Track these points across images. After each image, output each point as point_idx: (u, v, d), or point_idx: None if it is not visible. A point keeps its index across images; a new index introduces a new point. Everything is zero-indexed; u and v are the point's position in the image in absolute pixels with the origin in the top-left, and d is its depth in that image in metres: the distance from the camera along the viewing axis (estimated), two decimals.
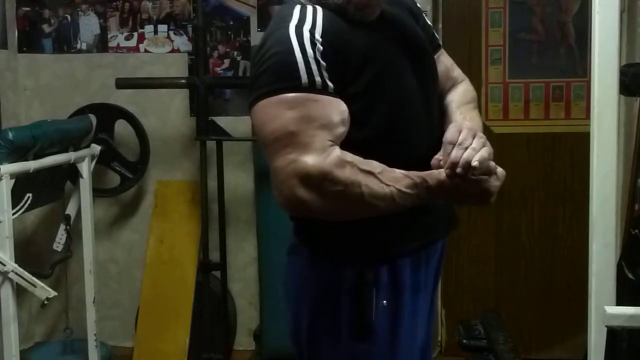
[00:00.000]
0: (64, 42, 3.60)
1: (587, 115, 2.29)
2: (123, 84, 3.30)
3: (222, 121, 3.30)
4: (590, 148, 1.97)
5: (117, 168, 3.45)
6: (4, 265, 2.59)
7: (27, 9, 3.60)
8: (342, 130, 1.38)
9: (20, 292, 2.78)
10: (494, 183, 1.42)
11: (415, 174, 1.40)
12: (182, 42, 3.52)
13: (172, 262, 3.44)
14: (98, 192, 3.39)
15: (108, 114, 3.44)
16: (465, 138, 1.40)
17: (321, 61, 1.37)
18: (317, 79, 1.37)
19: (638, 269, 2.17)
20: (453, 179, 1.38)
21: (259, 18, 3.44)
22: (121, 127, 3.46)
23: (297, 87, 1.36)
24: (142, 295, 3.46)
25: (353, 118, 1.41)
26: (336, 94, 1.39)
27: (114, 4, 3.55)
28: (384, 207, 1.39)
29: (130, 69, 3.52)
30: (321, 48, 1.38)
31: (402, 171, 1.40)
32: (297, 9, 1.44)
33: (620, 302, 1.98)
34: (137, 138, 3.45)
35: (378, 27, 1.51)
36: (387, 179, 1.37)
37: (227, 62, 3.49)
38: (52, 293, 2.71)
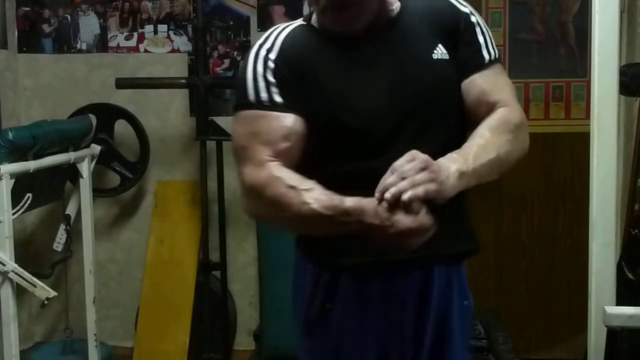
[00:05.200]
0: (64, 42, 3.60)
1: (587, 115, 2.29)
2: (123, 84, 3.30)
3: (222, 121, 3.30)
4: (590, 148, 1.97)
5: (117, 168, 3.45)
6: (4, 265, 2.59)
7: (27, 9, 3.60)
8: (285, 145, 1.43)
9: (20, 292, 2.78)
10: (405, 222, 1.27)
11: (342, 197, 1.34)
12: (182, 42, 3.52)
13: (172, 262, 3.44)
14: (98, 192, 3.39)
15: (108, 114, 3.44)
16: (412, 168, 1.27)
17: (270, 79, 1.45)
18: (264, 95, 1.45)
19: (638, 269, 2.16)
20: (378, 208, 1.28)
21: (259, 18, 3.44)
22: (121, 127, 3.46)
23: (249, 104, 1.46)
24: (142, 295, 3.46)
25: (313, 138, 1.46)
26: (289, 109, 1.44)
27: (114, 4, 3.55)
28: (305, 225, 1.41)
29: (130, 69, 3.52)
30: (272, 66, 1.46)
31: (333, 194, 1.35)
32: (269, 31, 1.53)
33: (620, 302, 1.98)
34: (137, 138, 3.45)
35: (358, 43, 1.47)
36: (310, 197, 1.35)
37: (227, 62, 3.49)
38: (52, 293, 2.71)
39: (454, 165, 1.35)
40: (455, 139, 1.48)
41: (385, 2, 1.48)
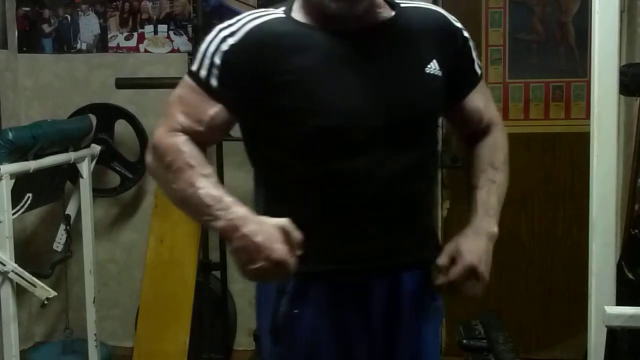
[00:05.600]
0: (64, 42, 3.60)
1: (587, 115, 2.28)
2: (123, 84, 3.30)
3: None
4: (590, 148, 1.97)
5: (117, 168, 3.45)
6: (4, 265, 2.59)
7: (27, 9, 3.60)
8: (199, 128, 1.42)
9: (20, 292, 2.78)
10: (280, 254, 1.31)
11: (233, 199, 1.35)
12: (182, 42, 3.52)
13: (172, 262, 3.43)
14: (98, 192, 3.39)
15: (108, 114, 3.44)
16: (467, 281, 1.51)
17: (216, 61, 1.42)
18: (203, 73, 1.43)
19: (638, 269, 2.16)
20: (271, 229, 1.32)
21: None
22: (121, 127, 3.46)
23: (190, 73, 1.47)
24: (142, 295, 3.46)
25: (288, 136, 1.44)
26: (222, 96, 1.42)
27: (114, 4, 3.55)
28: (184, 204, 1.40)
29: (130, 69, 3.52)
30: (225, 49, 1.41)
31: (226, 193, 1.36)
32: (242, 15, 1.47)
33: (620, 302, 1.98)
34: (137, 138, 3.45)
35: (346, 40, 1.43)
36: (200, 182, 1.36)
37: None
38: (52, 293, 2.71)
39: (493, 225, 1.65)
40: (432, 147, 1.55)
41: (375, 2, 1.45)
